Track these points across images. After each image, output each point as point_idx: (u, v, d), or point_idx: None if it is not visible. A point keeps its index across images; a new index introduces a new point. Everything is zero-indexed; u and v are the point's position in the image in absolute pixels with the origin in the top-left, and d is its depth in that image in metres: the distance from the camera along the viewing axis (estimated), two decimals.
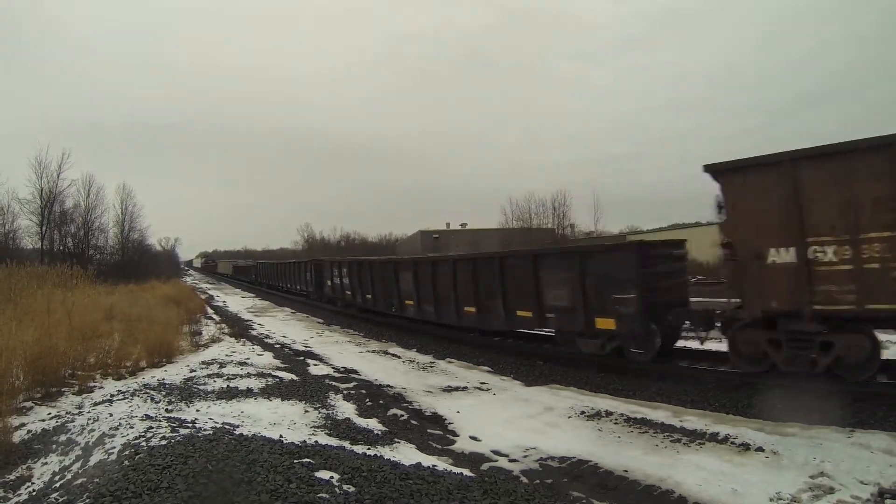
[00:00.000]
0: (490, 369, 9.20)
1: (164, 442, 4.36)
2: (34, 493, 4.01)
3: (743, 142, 72.01)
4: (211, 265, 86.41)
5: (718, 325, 7.26)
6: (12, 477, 4.45)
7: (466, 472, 4.58)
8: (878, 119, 64.74)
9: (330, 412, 6.46)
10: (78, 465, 4.33)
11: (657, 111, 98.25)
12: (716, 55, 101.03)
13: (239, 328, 15.33)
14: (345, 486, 3.73)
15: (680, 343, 9.04)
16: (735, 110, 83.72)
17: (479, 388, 7.89)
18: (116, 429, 4.93)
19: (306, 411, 6.43)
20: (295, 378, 8.29)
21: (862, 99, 66.96)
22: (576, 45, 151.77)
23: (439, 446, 5.51)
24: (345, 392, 7.54)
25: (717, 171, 6.73)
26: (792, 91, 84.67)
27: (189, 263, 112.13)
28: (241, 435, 4.86)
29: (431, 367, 9.55)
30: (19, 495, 4.06)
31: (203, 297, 29.03)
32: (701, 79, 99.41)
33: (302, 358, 10.47)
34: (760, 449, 4.93)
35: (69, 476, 4.10)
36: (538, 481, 4.54)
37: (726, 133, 75.54)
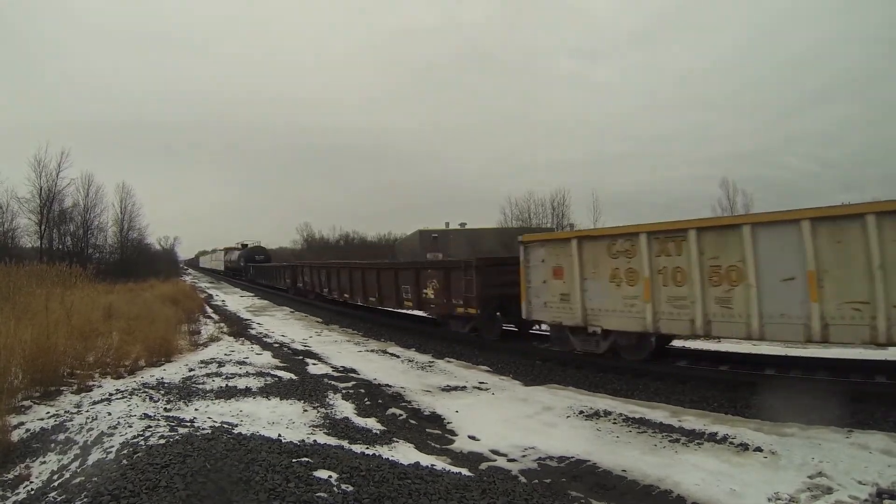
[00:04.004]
0: (489, 369, 9.21)
1: (162, 441, 4.35)
2: (32, 493, 4.01)
3: (746, 141, 71.69)
4: (261, 266, 37.01)
5: None
6: (10, 476, 4.45)
7: (465, 471, 4.59)
8: (880, 118, 64.59)
9: (329, 411, 6.46)
10: (76, 464, 4.33)
11: (660, 109, 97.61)
12: (720, 52, 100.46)
13: (238, 327, 15.30)
14: (343, 486, 3.73)
15: (677, 343, 9.06)
16: (739, 108, 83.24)
17: (478, 388, 7.90)
18: (115, 428, 4.92)
19: (305, 410, 6.43)
20: (294, 377, 8.29)
21: (866, 98, 66.77)
22: (580, 40, 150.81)
23: (438, 446, 5.52)
24: (343, 391, 7.54)
25: None
26: (797, 89, 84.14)
27: (192, 263, 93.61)
28: (240, 434, 4.85)
29: (430, 366, 9.56)
30: (17, 494, 4.06)
31: (202, 295, 29.00)
32: (705, 76, 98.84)
33: (301, 357, 10.46)
34: (759, 449, 4.93)
35: (67, 475, 4.09)
36: (536, 481, 4.54)
37: (730, 132, 75.07)
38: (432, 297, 12.22)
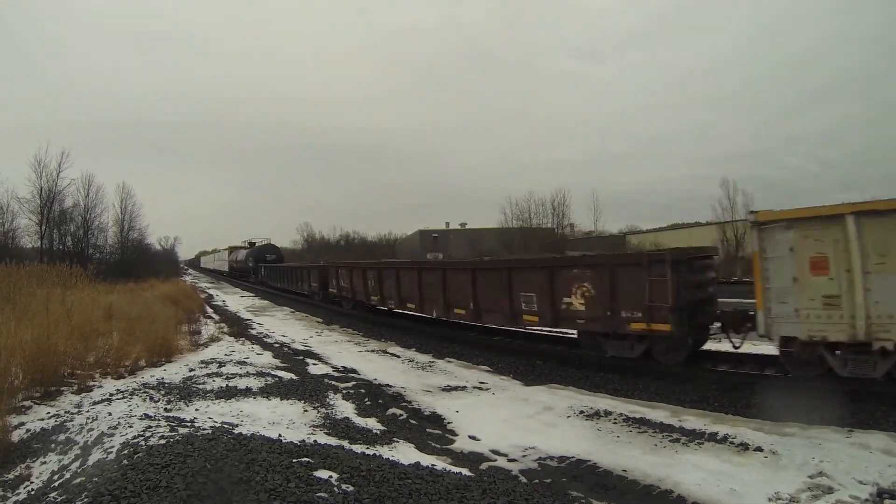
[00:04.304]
0: (489, 369, 9.21)
1: (162, 441, 4.36)
2: (33, 493, 4.01)
3: (746, 141, 71.64)
4: (275, 266, 33.35)
5: None
6: (11, 476, 4.45)
7: (465, 471, 4.59)
8: (880, 118, 64.58)
9: (329, 411, 6.47)
10: (77, 464, 4.33)
11: (660, 109, 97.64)
12: (720, 52, 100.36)
13: (238, 327, 15.32)
14: (343, 486, 3.73)
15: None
16: (739, 108, 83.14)
17: (479, 388, 7.90)
18: (115, 428, 4.92)
19: (305, 410, 6.44)
20: (294, 377, 8.30)
21: (867, 98, 66.81)
22: (580, 40, 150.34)
23: (438, 446, 5.52)
24: (344, 391, 7.54)
25: None
26: (797, 89, 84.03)
27: (193, 263, 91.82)
28: (240, 434, 4.86)
29: (430, 366, 9.56)
30: (18, 494, 4.06)
31: (202, 296, 29.02)
32: (705, 76, 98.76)
33: (301, 357, 10.47)
34: (759, 449, 4.94)
35: (68, 475, 4.10)
36: (537, 481, 4.54)
37: (730, 132, 75.05)
38: (582, 308, 8.56)
